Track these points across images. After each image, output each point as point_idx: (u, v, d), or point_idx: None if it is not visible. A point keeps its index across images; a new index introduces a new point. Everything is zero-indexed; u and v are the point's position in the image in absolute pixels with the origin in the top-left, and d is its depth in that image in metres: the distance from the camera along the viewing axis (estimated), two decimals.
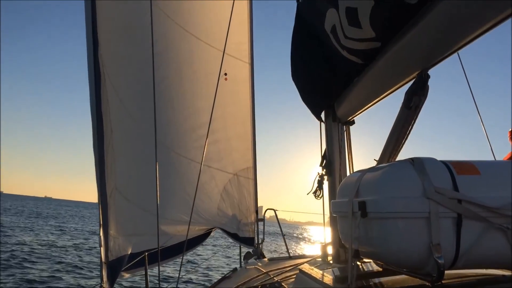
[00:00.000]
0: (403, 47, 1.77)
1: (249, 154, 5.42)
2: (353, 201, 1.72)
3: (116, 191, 2.63)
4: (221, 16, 4.83)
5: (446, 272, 1.51)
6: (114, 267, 2.35)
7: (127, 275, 3.04)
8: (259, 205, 5.48)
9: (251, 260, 4.88)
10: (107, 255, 2.19)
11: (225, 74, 5.15)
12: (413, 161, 1.59)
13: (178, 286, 2.33)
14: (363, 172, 1.82)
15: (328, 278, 2.05)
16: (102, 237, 2.12)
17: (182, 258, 2.67)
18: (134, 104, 3.30)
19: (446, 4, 1.46)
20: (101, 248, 2.12)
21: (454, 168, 1.57)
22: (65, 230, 31.22)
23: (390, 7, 1.67)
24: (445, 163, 1.60)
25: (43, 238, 23.28)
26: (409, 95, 1.79)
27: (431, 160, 1.60)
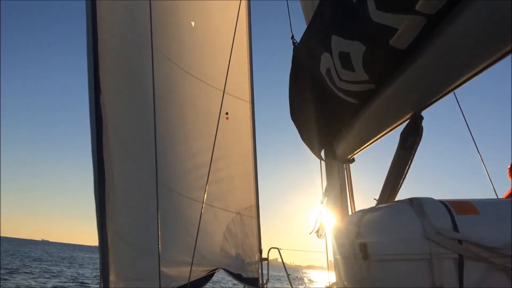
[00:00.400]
0: (396, 89, 1.82)
1: (251, 192, 5.40)
2: (354, 242, 1.72)
3: (116, 235, 2.62)
4: (221, 57, 4.96)
5: None
6: None
7: None
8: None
9: None
10: None
11: (227, 113, 5.23)
12: (411, 202, 1.59)
13: None
14: (363, 212, 1.82)
15: None
16: (102, 285, 2.09)
17: None
18: (136, 147, 3.34)
19: (436, 49, 1.52)
20: None
21: (453, 208, 1.57)
22: (53, 273, 30.43)
23: (381, 52, 1.73)
24: (444, 203, 1.60)
25: (21, 281, 22.41)
26: (404, 136, 1.81)
27: (430, 200, 1.60)
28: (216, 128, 4.75)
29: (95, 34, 2.34)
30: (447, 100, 1.90)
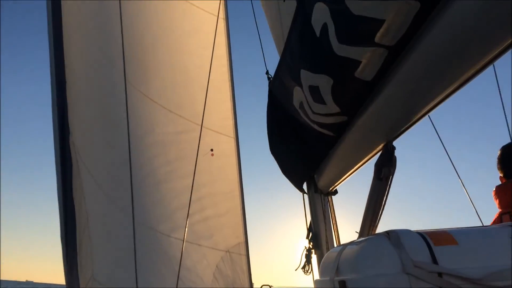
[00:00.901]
0: (366, 120, 1.81)
1: (240, 229, 5.29)
2: (334, 280, 1.66)
3: (94, 281, 2.51)
4: (204, 94, 4.97)
5: None
6: None
7: None
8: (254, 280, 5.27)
9: None
10: None
11: (211, 150, 5.21)
12: (388, 235, 1.55)
13: None
14: (342, 247, 1.77)
15: None
16: None
17: None
18: (115, 188, 3.28)
19: (400, 79, 1.52)
20: None
21: (431, 239, 1.53)
22: None
23: (348, 84, 1.73)
24: (421, 234, 1.56)
25: None
26: (378, 167, 1.79)
27: (407, 232, 1.56)
28: (202, 166, 4.72)
29: (61, 74, 2.30)
30: (424, 124, 1.88)
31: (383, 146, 1.77)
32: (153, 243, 4.15)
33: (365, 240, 1.64)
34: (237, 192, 5.32)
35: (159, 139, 4.71)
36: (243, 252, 5.23)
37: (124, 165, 3.15)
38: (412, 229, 1.61)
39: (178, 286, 3.88)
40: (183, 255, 3.84)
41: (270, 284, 5.40)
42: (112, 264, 3.11)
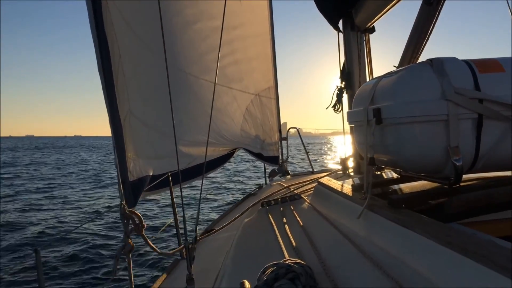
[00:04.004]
0: None
1: (270, 73, 5.28)
2: (368, 109, 1.65)
3: (131, 115, 2.61)
4: None
5: (464, 175, 1.46)
6: (136, 187, 2.40)
7: (149, 196, 3.14)
8: (283, 121, 5.48)
9: (276, 178, 4.99)
10: (127, 175, 2.22)
11: None
12: (431, 62, 1.47)
13: (200, 203, 2.41)
14: (379, 78, 1.72)
15: (346, 188, 2.05)
16: (117, 158, 2.13)
17: (203, 179, 2.72)
18: (144, 28, 3.16)
19: None
20: (117, 168, 2.13)
21: (476, 67, 1.45)
22: None
23: None
24: (467, 62, 1.48)
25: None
26: None
27: (452, 60, 1.48)
28: (231, 7, 4.47)
29: None
30: None
31: None
32: (183, 84, 4.20)
33: (406, 68, 1.57)
34: (268, 36, 5.15)
35: None
36: (273, 96, 5.31)
37: (152, 4, 2.99)
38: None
39: (211, 126, 4.04)
40: (214, 96, 3.88)
41: (298, 127, 5.64)
42: (145, 101, 3.19)
